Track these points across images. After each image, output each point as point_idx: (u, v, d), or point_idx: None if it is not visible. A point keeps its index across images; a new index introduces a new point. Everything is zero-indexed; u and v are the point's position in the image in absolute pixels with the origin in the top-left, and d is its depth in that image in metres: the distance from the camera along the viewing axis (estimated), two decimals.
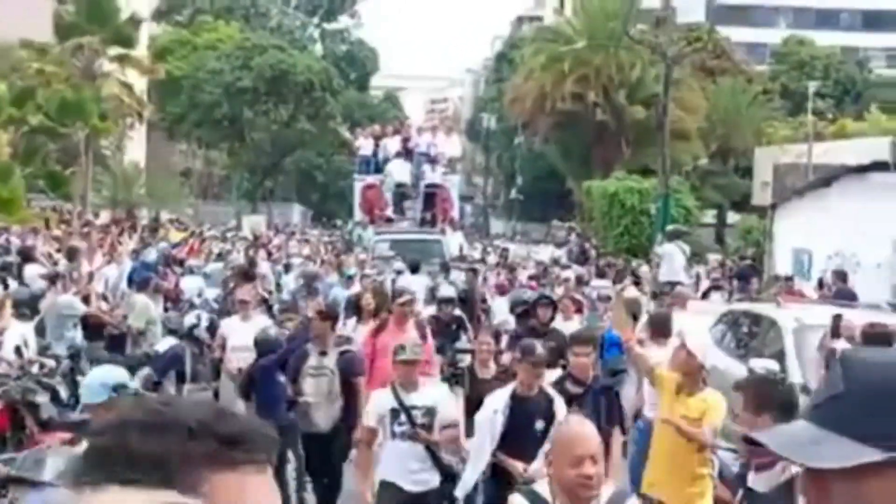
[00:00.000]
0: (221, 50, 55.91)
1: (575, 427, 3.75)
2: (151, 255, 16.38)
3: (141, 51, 37.31)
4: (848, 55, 66.73)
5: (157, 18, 67.13)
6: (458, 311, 11.88)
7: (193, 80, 53.39)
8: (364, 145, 25.39)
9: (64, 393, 8.58)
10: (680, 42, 38.88)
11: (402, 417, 6.38)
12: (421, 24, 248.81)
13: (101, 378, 5.01)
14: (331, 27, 78.70)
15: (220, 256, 21.22)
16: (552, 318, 9.92)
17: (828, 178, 16.07)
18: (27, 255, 12.46)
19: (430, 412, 6.42)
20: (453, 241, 22.06)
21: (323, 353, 7.95)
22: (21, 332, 8.69)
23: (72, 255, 12.72)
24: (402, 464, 6.43)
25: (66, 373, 9.00)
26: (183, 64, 55.13)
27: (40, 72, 28.32)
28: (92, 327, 10.58)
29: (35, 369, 8.57)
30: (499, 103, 56.68)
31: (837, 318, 6.65)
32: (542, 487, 3.75)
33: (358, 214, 24.59)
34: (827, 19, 72.26)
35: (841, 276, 13.53)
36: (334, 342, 8.33)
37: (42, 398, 7.98)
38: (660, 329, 8.26)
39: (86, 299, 10.98)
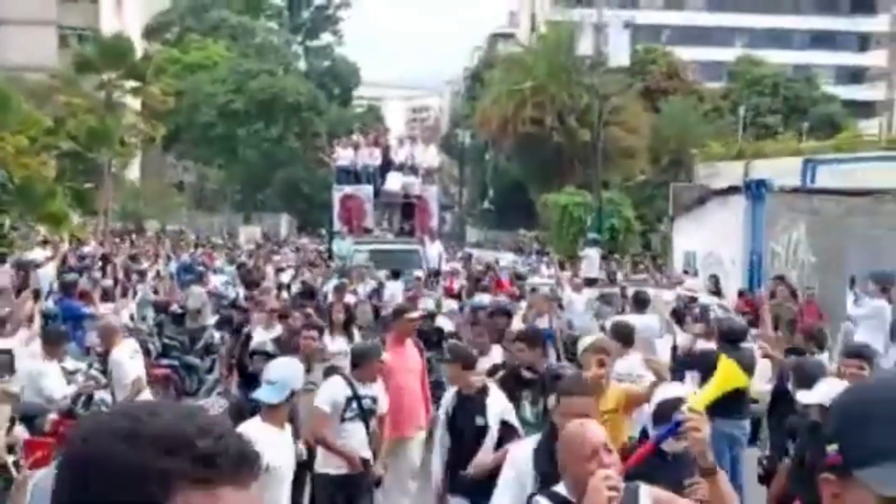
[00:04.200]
0: (216, 75, 60.14)
1: (578, 425, 3.69)
2: (184, 258, 21.09)
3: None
4: (799, 73, 69.57)
5: (147, 37, 68.84)
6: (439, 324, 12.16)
7: (191, 101, 57.43)
8: (343, 156, 24.99)
9: (158, 345, 13.35)
10: (636, 66, 43.87)
11: (354, 405, 6.96)
12: (402, 32, 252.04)
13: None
14: (314, 44, 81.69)
15: (232, 261, 25.91)
16: (507, 326, 10.03)
17: (703, 197, 21.04)
18: (106, 258, 17.17)
19: (375, 400, 7.14)
20: (432, 251, 22.09)
21: (307, 370, 7.62)
22: (130, 307, 13.36)
23: (134, 259, 17.37)
24: (349, 443, 7.00)
25: (156, 333, 13.77)
26: (173, 81, 59.27)
27: (68, 104, 32.89)
28: (162, 308, 15.30)
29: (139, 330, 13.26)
30: (472, 120, 60.79)
31: (623, 289, 11.32)
32: (563, 489, 3.64)
33: (337, 224, 24.18)
34: (780, 39, 75.45)
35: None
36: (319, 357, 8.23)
37: (151, 346, 12.67)
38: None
39: (155, 290, 15.69)
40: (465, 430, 6.59)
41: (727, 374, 3.52)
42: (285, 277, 19.96)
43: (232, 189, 65.75)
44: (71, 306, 11.59)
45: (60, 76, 34.88)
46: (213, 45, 66.20)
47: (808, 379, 5.57)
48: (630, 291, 11.73)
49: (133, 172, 53.62)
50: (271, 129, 59.99)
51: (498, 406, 6.52)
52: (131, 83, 35.53)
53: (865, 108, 73.36)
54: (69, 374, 8.47)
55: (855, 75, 78.75)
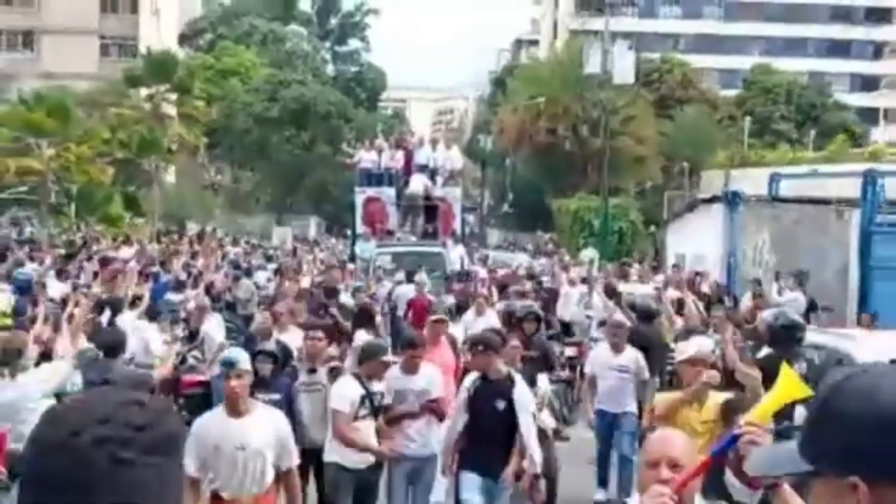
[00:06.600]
0: (251, 83, 63.23)
1: (660, 433, 3.64)
2: (231, 255, 23.93)
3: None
4: (815, 80, 71.07)
5: (181, 43, 71.96)
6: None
7: (227, 108, 60.36)
8: (366, 158, 25.03)
9: None
10: (651, 74, 46.22)
11: (367, 403, 7.13)
12: (428, 34, 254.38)
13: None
14: (342, 50, 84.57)
15: (269, 259, 28.66)
16: (537, 330, 10.64)
17: (691, 204, 23.57)
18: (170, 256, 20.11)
19: (382, 396, 7.31)
20: (454, 254, 21.87)
21: (312, 371, 7.99)
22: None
23: (194, 256, 20.23)
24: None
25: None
26: (206, 86, 61.97)
27: (119, 114, 35.97)
28: (217, 297, 18.08)
29: None
30: (493, 126, 63.10)
31: (592, 285, 13.98)
32: (635, 501, 3.46)
33: (360, 227, 24.18)
34: (795, 47, 76.88)
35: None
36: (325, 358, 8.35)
37: None
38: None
39: (211, 283, 18.43)
40: (485, 412, 6.94)
41: (787, 386, 3.18)
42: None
43: (264, 191, 68.56)
44: (159, 291, 14.46)
45: (110, 88, 38.03)
46: (244, 51, 68.89)
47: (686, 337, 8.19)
48: (598, 286, 14.26)
49: (170, 175, 56.48)
50: (302, 135, 62.92)
51: (525, 396, 7.00)
52: (175, 95, 38.62)
53: (879, 116, 75.25)
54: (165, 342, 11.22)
55: (869, 83, 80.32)
